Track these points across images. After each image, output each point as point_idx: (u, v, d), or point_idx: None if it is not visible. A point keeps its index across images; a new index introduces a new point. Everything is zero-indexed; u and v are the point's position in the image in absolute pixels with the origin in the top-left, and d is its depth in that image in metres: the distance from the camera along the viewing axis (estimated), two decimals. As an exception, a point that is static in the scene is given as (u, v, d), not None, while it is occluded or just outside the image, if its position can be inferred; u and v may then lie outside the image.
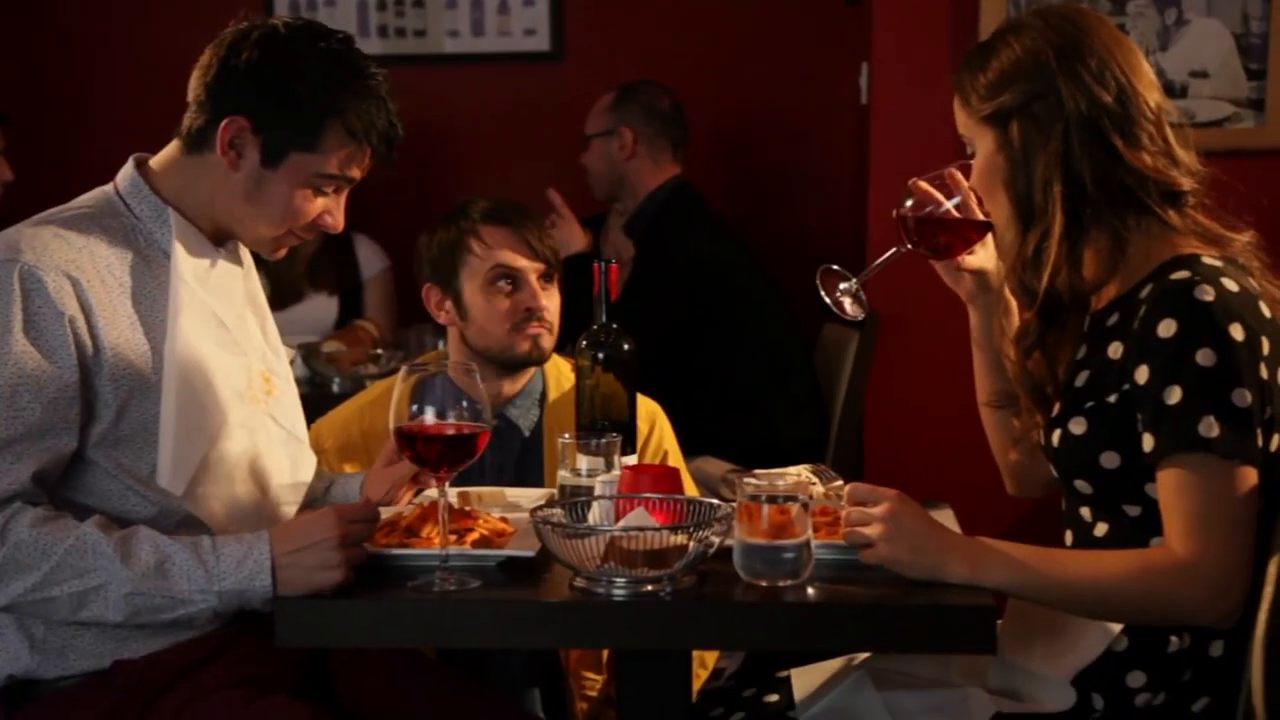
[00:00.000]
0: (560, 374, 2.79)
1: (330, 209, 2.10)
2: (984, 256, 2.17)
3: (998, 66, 1.99)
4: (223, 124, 2.02)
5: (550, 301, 2.73)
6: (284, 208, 2.06)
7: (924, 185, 2.12)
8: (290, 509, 2.16)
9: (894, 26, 3.91)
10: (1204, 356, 1.86)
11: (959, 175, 2.11)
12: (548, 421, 2.74)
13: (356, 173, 2.08)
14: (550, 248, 2.75)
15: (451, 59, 4.69)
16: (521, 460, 2.73)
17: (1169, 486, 1.88)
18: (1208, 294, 1.87)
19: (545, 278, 2.73)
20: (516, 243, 2.70)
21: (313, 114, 2.02)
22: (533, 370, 2.76)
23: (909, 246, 2.13)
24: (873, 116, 3.98)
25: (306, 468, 2.23)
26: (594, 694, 2.69)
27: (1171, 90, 3.80)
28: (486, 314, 2.70)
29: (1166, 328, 1.88)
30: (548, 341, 2.73)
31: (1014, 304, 2.20)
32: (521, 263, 2.70)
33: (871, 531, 1.88)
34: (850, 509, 1.91)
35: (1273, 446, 1.89)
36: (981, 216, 2.09)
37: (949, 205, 2.11)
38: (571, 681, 2.68)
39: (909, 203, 2.12)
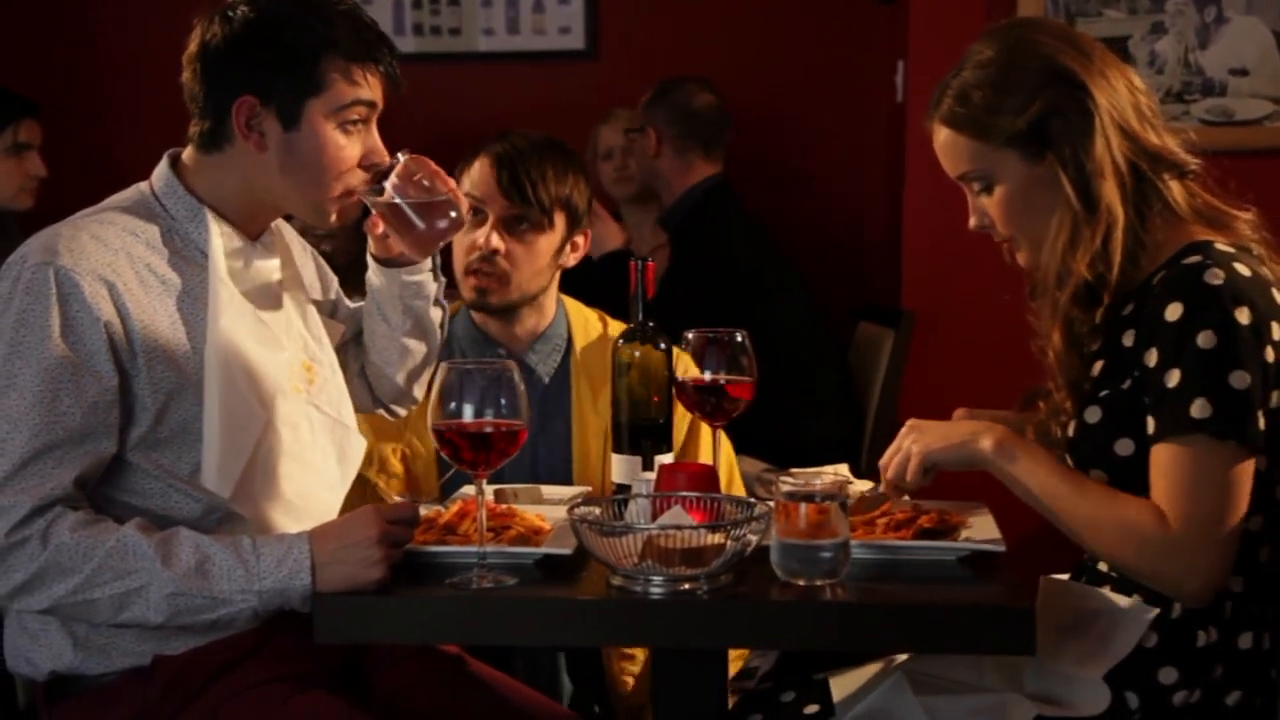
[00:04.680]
0: (587, 322, 2.71)
1: (371, 147, 2.08)
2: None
3: (1013, 85, 2.00)
4: (233, 110, 2.02)
5: (517, 249, 2.57)
6: (320, 161, 2.04)
7: None
8: (337, 497, 2.16)
9: (930, 25, 3.89)
10: (1205, 339, 1.87)
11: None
12: (573, 369, 2.66)
13: (369, 91, 2.06)
14: (543, 195, 2.56)
15: (486, 57, 4.70)
16: (542, 409, 2.62)
17: (1158, 464, 1.91)
18: (1217, 278, 1.90)
19: (514, 223, 2.58)
20: (488, 176, 2.58)
21: (308, 57, 2.01)
22: (551, 315, 2.67)
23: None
24: (908, 116, 3.97)
25: (355, 453, 2.22)
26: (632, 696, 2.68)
27: (1210, 88, 3.78)
28: (455, 247, 2.60)
29: (1173, 311, 1.90)
30: (495, 298, 2.59)
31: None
32: (485, 196, 2.57)
33: (902, 448, 2.02)
34: (887, 478, 2.05)
35: None
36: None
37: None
38: (613, 682, 2.67)
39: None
